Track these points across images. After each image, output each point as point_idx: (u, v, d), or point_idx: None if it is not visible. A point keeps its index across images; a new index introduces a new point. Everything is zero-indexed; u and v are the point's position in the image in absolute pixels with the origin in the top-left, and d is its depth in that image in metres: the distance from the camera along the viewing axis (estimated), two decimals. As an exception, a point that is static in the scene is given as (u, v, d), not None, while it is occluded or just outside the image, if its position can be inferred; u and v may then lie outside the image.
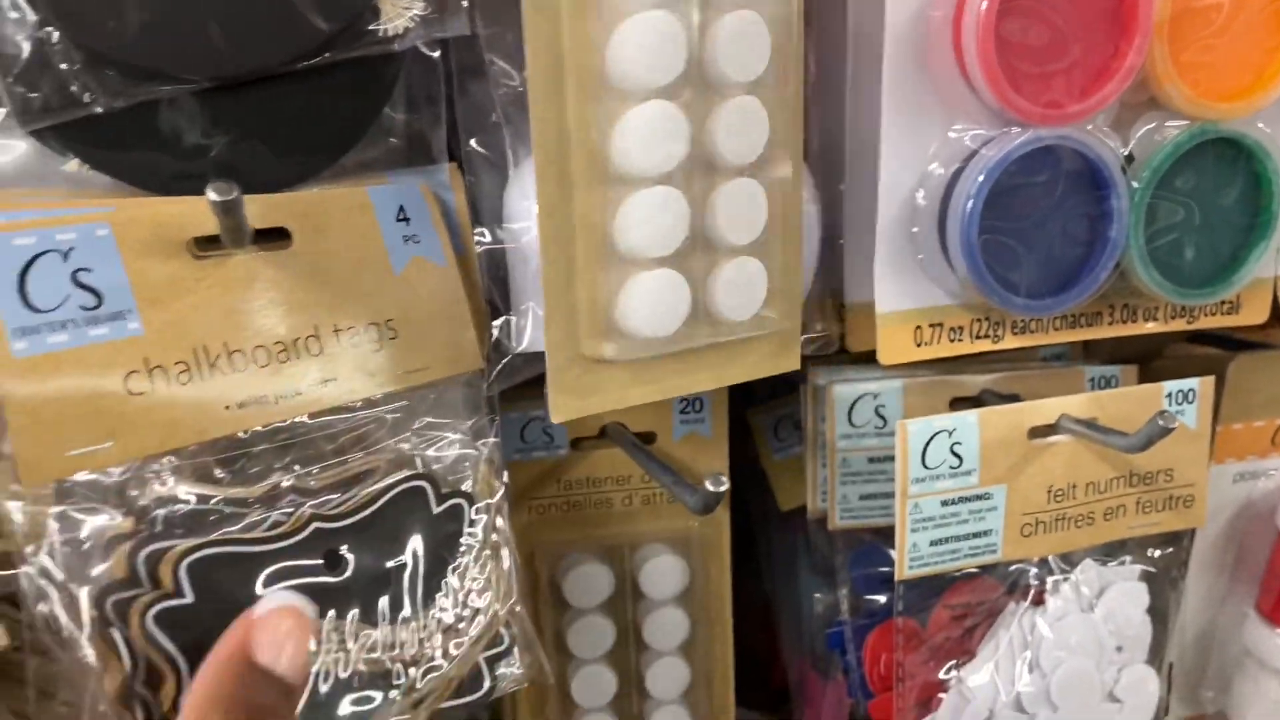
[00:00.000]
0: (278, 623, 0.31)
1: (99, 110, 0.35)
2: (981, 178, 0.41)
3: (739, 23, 0.37)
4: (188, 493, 0.34)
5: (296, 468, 0.35)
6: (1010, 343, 0.46)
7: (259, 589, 0.32)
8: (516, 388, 0.44)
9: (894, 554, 0.53)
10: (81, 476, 0.34)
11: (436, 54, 0.40)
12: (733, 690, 0.55)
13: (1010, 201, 0.42)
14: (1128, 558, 0.50)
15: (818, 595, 0.55)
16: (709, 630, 0.54)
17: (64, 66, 0.35)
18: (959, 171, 0.43)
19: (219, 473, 0.34)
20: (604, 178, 0.36)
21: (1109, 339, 0.48)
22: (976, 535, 0.47)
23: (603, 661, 0.53)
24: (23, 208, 0.32)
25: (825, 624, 0.55)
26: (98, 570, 0.33)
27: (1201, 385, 0.48)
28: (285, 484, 0.34)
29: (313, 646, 0.31)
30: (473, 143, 0.41)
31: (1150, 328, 0.47)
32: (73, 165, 0.35)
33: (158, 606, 0.31)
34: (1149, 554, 0.50)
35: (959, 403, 0.52)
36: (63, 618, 0.32)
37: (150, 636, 0.30)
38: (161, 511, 0.33)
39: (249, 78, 0.36)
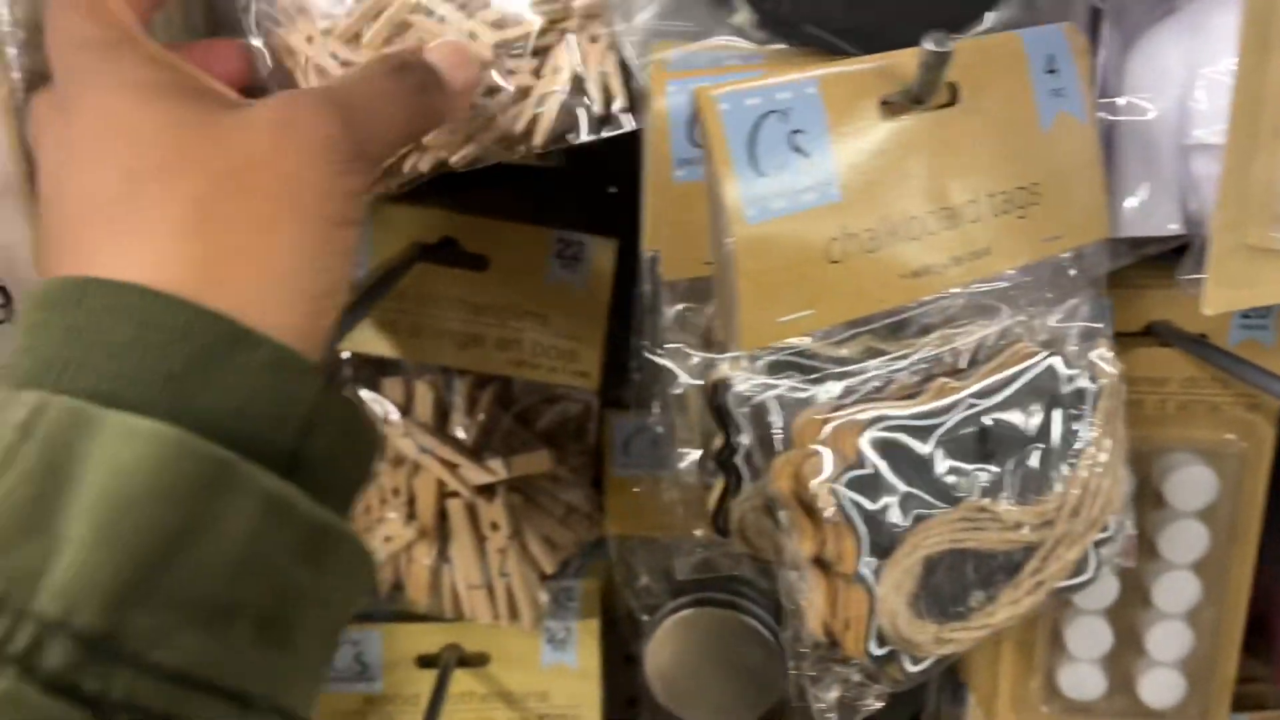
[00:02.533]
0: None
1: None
2: None
3: None
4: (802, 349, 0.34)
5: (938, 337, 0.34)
6: None
7: (928, 457, 0.32)
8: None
9: None
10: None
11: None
12: (1244, 617, 0.51)
13: None
14: None
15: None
16: (1229, 550, 0.50)
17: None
18: None
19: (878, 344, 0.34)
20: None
21: None
22: None
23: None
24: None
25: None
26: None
27: None
28: (884, 349, 0.34)
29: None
30: (1103, 4, 0.38)
31: None
32: (739, 18, 0.35)
33: (847, 475, 0.31)
34: None
35: None
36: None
37: (839, 501, 0.31)
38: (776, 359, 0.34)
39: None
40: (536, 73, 0.36)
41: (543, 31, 0.36)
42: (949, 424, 0.33)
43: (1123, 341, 0.48)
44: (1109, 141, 0.40)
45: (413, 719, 0.58)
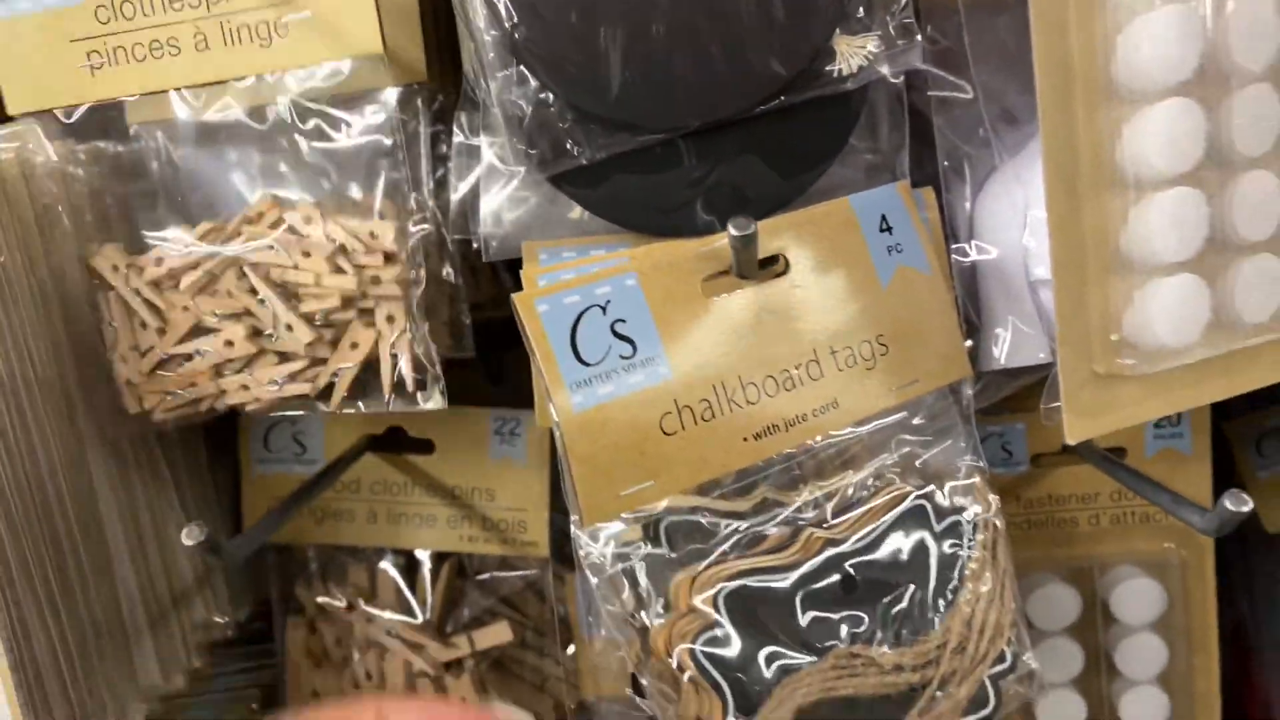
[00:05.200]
0: None
1: (585, 161, 0.38)
2: None
3: (1253, 5, 0.34)
4: (692, 506, 0.36)
5: (812, 493, 0.36)
6: None
7: (789, 610, 0.34)
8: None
9: None
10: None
11: (900, 82, 0.40)
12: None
13: None
14: None
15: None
16: (1190, 659, 0.50)
17: (560, 124, 0.39)
18: None
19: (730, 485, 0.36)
20: (1115, 184, 0.34)
21: None
22: None
23: (1070, 687, 0.50)
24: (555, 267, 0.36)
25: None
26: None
27: None
28: (780, 499, 0.36)
29: None
30: (945, 161, 0.41)
31: None
32: (576, 213, 0.39)
33: (703, 636, 0.33)
34: None
35: None
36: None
37: (698, 663, 0.32)
38: (666, 521, 0.36)
39: (717, 123, 0.38)
40: (334, 343, 0.41)
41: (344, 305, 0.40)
42: (810, 574, 0.34)
43: (1044, 461, 0.49)
44: (974, 281, 0.42)
45: None
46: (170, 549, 0.49)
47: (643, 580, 0.34)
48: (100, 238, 0.43)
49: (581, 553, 0.37)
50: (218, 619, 0.53)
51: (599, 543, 0.37)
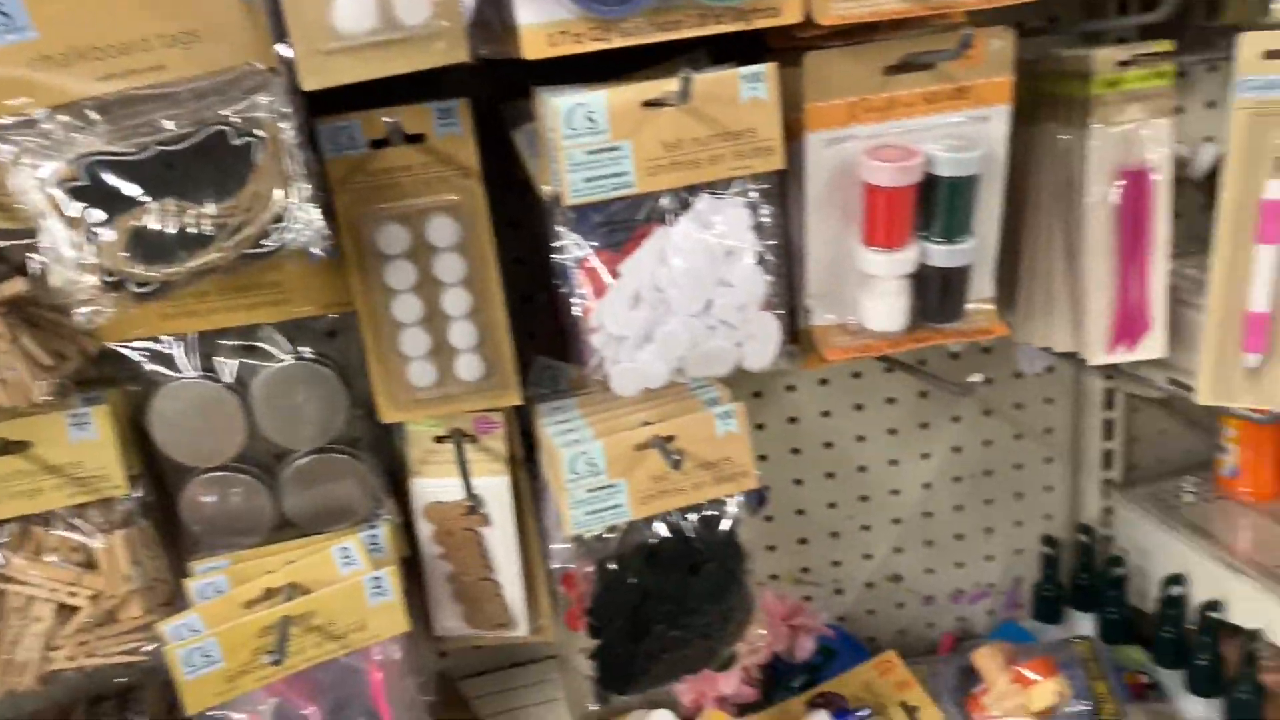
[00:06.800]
0: None
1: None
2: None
3: None
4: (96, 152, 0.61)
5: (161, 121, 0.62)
6: (618, 42, 0.70)
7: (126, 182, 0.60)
8: (333, 111, 0.71)
9: (598, 214, 0.78)
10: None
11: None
12: (503, 311, 0.81)
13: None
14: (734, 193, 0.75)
15: (554, 245, 0.81)
16: (482, 269, 0.80)
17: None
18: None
19: (96, 116, 0.61)
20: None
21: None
22: (615, 175, 0.72)
23: (412, 292, 0.80)
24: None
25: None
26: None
27: (768, 68, 0.72)
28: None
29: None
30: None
31: (719, 28, 0.71)
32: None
33: (65, 186, 0.58)
34: (749, 190, 0.75)
35: (650, 104, 0.74)
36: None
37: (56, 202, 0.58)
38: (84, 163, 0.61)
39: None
40: None
41: None
42: (136, 162, 0.60)
43: (380, 145, 0.77)
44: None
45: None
46: None
47: (73, 208, 0.60)
48: None
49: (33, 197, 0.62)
50: None
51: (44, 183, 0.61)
